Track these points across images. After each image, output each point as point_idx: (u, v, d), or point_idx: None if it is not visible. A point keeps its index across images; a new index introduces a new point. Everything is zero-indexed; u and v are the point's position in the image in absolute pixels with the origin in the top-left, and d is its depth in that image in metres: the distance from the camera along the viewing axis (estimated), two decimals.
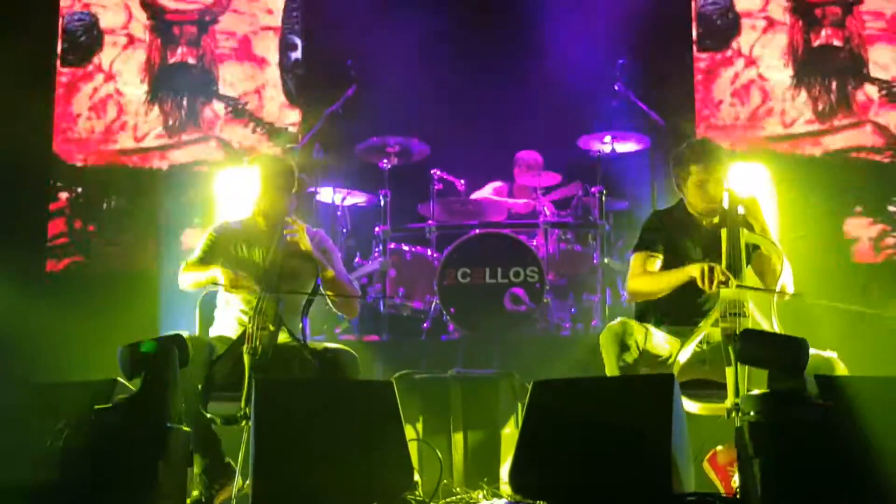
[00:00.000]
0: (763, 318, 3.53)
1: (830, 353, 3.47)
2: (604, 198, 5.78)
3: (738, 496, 3.00)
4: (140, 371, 3.11)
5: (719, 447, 3.55)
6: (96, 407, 3.05)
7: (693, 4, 6.68)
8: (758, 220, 3.71)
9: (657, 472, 2.94)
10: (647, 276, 3.74)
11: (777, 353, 2.96)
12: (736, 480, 3.33)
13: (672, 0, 6.79)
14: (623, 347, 3.51)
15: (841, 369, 3.43)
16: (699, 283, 3.50)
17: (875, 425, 2.86)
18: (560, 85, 6.35)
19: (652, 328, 3.63)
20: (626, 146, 5.90)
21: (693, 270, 3.54)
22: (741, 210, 3.73)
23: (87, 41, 6.94)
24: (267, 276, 3.82)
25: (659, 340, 3.59)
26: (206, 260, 3.98)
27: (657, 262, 3.76)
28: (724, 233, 3.62)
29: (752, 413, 2.91)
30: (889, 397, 2.94)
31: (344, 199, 6.18)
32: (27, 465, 3.04)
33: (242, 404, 3.48)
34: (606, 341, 3.56)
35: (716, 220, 3.78)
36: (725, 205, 3.74)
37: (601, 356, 3.62)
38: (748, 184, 3.95)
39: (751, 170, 4.36)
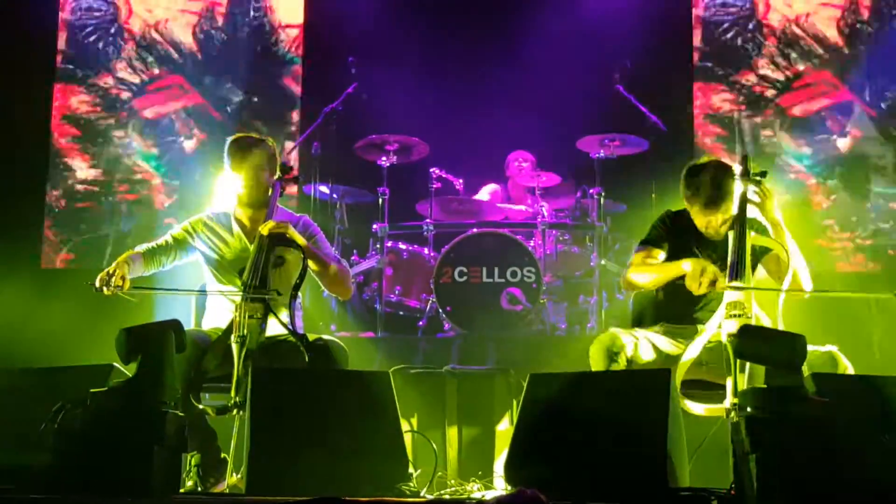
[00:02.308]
0: (769, 318, 3.53)
1: (831, 347, 3.48)
2: (602, 200, 5.80)
3: (732, 492, 2.99)
4: (137, 355, 3.10)
5: None
6: (92, 390, 3.04)
7: (694, 10, 6.72)
8: (769, 216, 3.71)
9: (652, 466, 2.95)
10: (644, 266, 3.75)
11: (774, 349, 2.95)
12: None
13: (673, 4, 6.82)
14: (611, 360, 3.51)
15: (843, 363, 3.45)
16: (687, 284, 3.52)
17: (871, 422, 2.87)
18: (561, 86, 6.37)
19: (642, 333, 3.64)
20: (626, 149, 5.92)
21: (686, 266, 3.55)
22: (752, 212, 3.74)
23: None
24: (253, 265, 3.77)
25: (647, 348, 3.59)
26: (155, 252, 3.90)
27: (658, 257, 3.78)
28: (731, 234, 3.62)
29: (748, 408, 2.90)
30: (884, 395, 2.95)
31: (342, 196, 6.19)
32: (24, 447, 3.04)
33: (233, 393, 3.45)
34: (596, 353, 3.57)
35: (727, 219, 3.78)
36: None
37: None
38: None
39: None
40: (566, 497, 2.85)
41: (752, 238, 3.60)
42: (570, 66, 6.41)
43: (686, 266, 3.56)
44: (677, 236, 3.81)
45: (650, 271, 3.72)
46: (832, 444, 2.78)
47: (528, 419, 3.23)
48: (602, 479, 3.00)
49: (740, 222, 3.64)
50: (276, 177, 3.95)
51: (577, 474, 3.05)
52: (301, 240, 3.80)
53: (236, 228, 3.96)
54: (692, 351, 3.46)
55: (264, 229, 3.73)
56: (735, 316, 3.42)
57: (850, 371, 3.47)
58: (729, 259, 3.55)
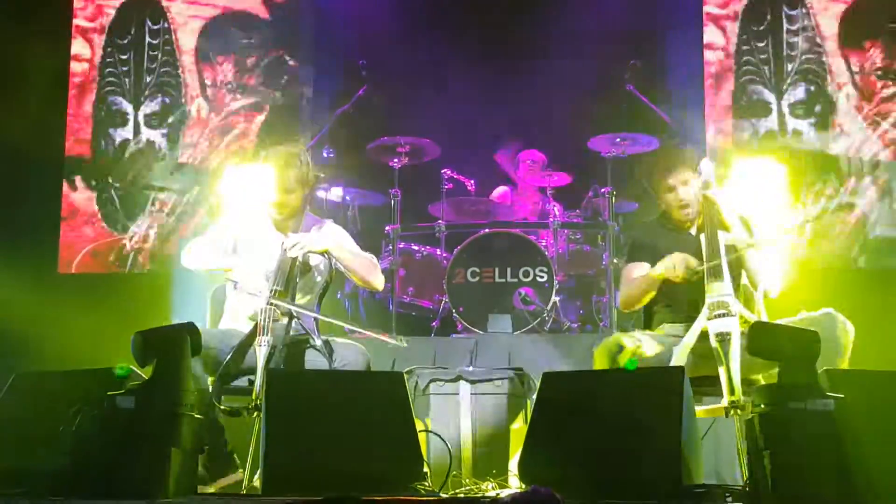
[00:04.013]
0: (754, 315, 3.56)
1: (827, 310, 3.50)
2: (613, 199, 5.82)
3: (747, 489, 2.99)
4: (153, 358, 3.12)
5: None
6: (109, 393, 3.06)
7: (705, 6, 6.69)
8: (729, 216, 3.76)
9: (667, 463, 2.94)
10: (628, 284, 3.85)
11: (788, 346, 2.96)
12: None
13: (683, 1, 6.80)
14: (612, 361, 3.53)
15: (841, 321, 3.47)
16: (667, 274, 3.59)
17: (885, 419, 2.86)
18: (571, 86, 6.38)
19: (644, 336, 3.68)
20: (637, 147, 5.93)
21: (660, 268, 3.63)
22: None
23: None
24: (279, 269, 3.81)
25: (651, 345, 3.62)
26: (217, 244, 3.94)
27: (643, 271, 3.81)
28: (703, 237, 3.67)
29: (762, 405, 2.91)
30: None
31: (354, 198, 6.21)
32: (41, 449, 3.06)
33: (254, 395, 3.48)
34: (599, 358, 3.60)
35: (699, 221, 3.81)
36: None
37: None
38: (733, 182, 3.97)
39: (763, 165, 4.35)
40: (581, 495, 2.85)
41: (723, 238, 3.64)
42: (581, 65, 6.41)
43: (660, 268, 3.64)
44: (655, 244, 3.85)
45: (636, 287, 3.79)
46: (846, 440, 2.78)
47: (542, 418, 3.24)
48: (616, 477, 3.00)
49: (709, 223, 3.68)
50: (306, 183, 4.00)
51: (591, 472, 3.05)
52: (324, 246, 3.83)
53: (268, 231, 4.00)
54: (680, 356, 3.48)
55: (289, 248, 3.76)
56: (719, 315, 3.44)
57: (850, 329, 3.48)
58: (704, 263, 3.59)
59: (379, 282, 4.02)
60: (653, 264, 3.77)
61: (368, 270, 3.96)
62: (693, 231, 3.86)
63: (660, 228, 3.95)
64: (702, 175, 3.80)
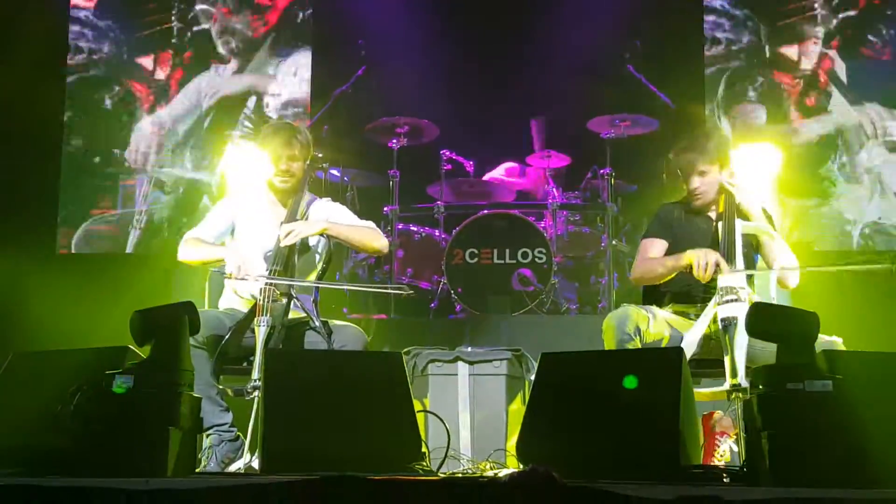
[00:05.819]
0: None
1: (835, 339, 3.48)
2: (613, 180, 5.81)
3: (744, 469, 3.00)
4: (151, 338, 3.12)
5: (720, 413, 3.60)
6: (108, 372, 3.06)
7: None
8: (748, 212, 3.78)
9: (665, 443, 2.95)
10: (649, 261, 3.80)
11: (787, 327, 2.95)
12: (722, 453, 3.51)
13: None
14: (623, 336, 3.54)
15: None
16: (693, 272, 3.56)
17: (884, 400, 2.86)
18: (571, 66, 6.35)
19: (655, 310, 3.67)
20: (636, 129, 5.91)
21: (690, 257, 3.59)
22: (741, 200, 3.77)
23: None
24: (278, 249, 3.80)
25: (661, 324, 3.63)
26: (212, 233, 3.93)
27: (661, 248, 3.81)
28: (720, 224, 3.69)
29: (760, 386, 2.91)
30: None
31: (352, 179, 6.19)
32: (40, 429, 3.06)
33: (253, 375, 3.49)
34: (608, 329, 3.60)
35: (720, 209, 3.81)
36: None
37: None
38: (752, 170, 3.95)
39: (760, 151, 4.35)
40: (579, 475, 2.85)
41: (743, 227, 3.66)
42: (581, 45, 6.39)
43: (688, 257, 3.60)
44: (677, 224, 3.85)
45: (655, 265, 3.76)
46: (844, 421, 2.78)
47: (540, 398, 3.24)
48: (614, 457, 3.01)
49: (728, 211, 3.69)
50: (307, 162, 3.99)
51: (589, 452, 3.05)
52: (318, 228, 3.82)
53: (267, 209, 3.99)
54: (690, 340, 3.49)
55: (283, 238, 3.76)
56: (728, 301, 3.45)
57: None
58: (720, 246, 3.60)
59: (383, 245, 4.00)
60: (670, 243, 3.78)
61: (370, 237, 3.95)
62: (712, 217, 3.83)
63: (682, 211, 3.90)
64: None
